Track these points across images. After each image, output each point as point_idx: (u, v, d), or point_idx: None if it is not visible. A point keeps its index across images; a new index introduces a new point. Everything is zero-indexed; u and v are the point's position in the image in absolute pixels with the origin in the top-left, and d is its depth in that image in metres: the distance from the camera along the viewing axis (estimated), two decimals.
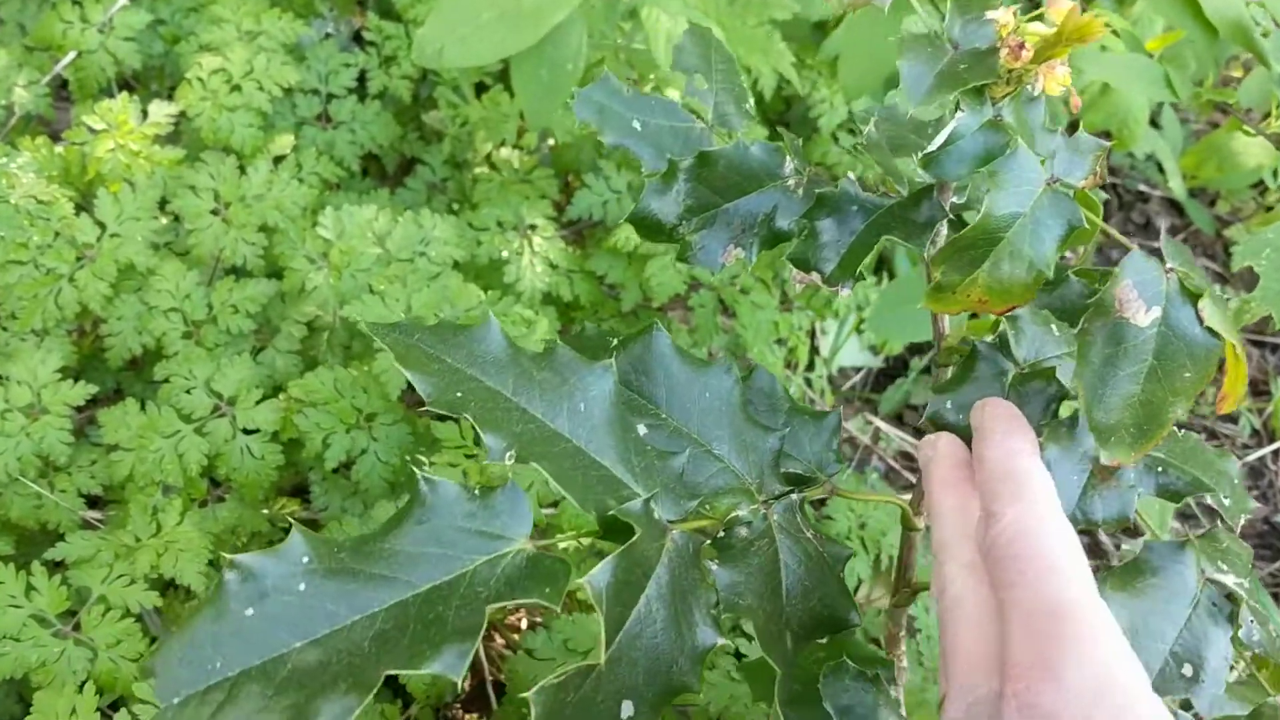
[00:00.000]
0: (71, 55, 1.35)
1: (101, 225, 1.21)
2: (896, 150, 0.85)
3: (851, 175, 0.80)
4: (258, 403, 1.15)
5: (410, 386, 1.16)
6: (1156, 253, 0.68)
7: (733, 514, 0.73)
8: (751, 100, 0.90)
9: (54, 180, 1.25)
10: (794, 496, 0.76)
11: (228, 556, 0.59)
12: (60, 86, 1.46)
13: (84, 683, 0.99)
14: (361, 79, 1.45)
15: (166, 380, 1.15)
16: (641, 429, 0.73)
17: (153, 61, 1.43)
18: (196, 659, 0.57)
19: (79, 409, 1.16)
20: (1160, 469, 0.75)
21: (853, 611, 0.74)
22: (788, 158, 0.82)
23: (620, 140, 0.84)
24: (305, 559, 0.61)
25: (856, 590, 1.28)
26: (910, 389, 1.66)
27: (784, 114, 1.65)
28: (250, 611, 0.58)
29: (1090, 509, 0.70)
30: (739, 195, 0.82)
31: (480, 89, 1.46)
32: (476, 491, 0.64)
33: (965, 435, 0.73)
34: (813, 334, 1.51)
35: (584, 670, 0.60)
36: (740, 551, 0.72)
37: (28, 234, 1.18)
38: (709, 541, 0.71)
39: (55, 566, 1.07)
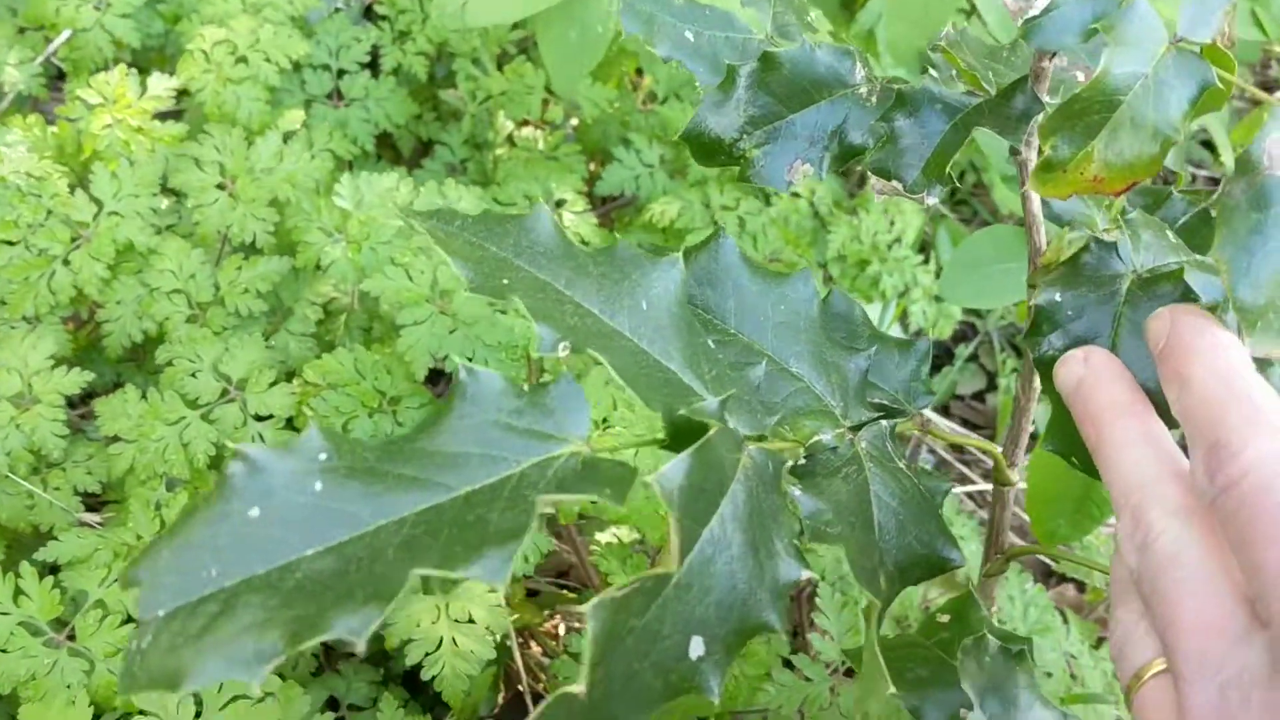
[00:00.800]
0: (66, 34, 1.27)
1: (98, 203, 1.12)
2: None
3: (933, 72, 0.72)
4: (271, 385, 1.05)
5: (438, 372, 1.08)
6: None
7: (815, 438, 0.63)
8: (816, 12, 0.82)
9: (48, 160, 1.17)
10: (883, 423, 0.66)
11: (233, 446, 0.50)
12: (58, 77, 1.38)
13: (79, 697, 0.88)
14: (374, 56, 1.37)
15: (169, 364, 1.06)
16: (710, 344, 0.64)
17: (152, 41, 1.35)
18: (189, 566, 0.48)
19: (75, 404, 1.07)
20: None
21: (954, 550, 0.64)
22: (858, 64, 0.74)
23: (672, 53, 0.76)
24: (323, 455, 0.51)
25: None
26: (957, 377, 1.56)
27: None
28: (255, 512, 0.49)
29: None
30: (806, 104, 0.73)
31: (502, 62, 1.38)
32: (525, 387, 0.55)
33: (1080, 339, 0.64)
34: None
35: (650, 584, 0.50)
36: (825, 478, 0.62)
37: (17, 211, 1.10)
38: (789, 466, 0.61)
39: (47, 569, 0.96)
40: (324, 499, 0.50)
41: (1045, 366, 0.65)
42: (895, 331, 1.48)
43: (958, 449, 1.51)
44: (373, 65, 1.37)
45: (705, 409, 0.55)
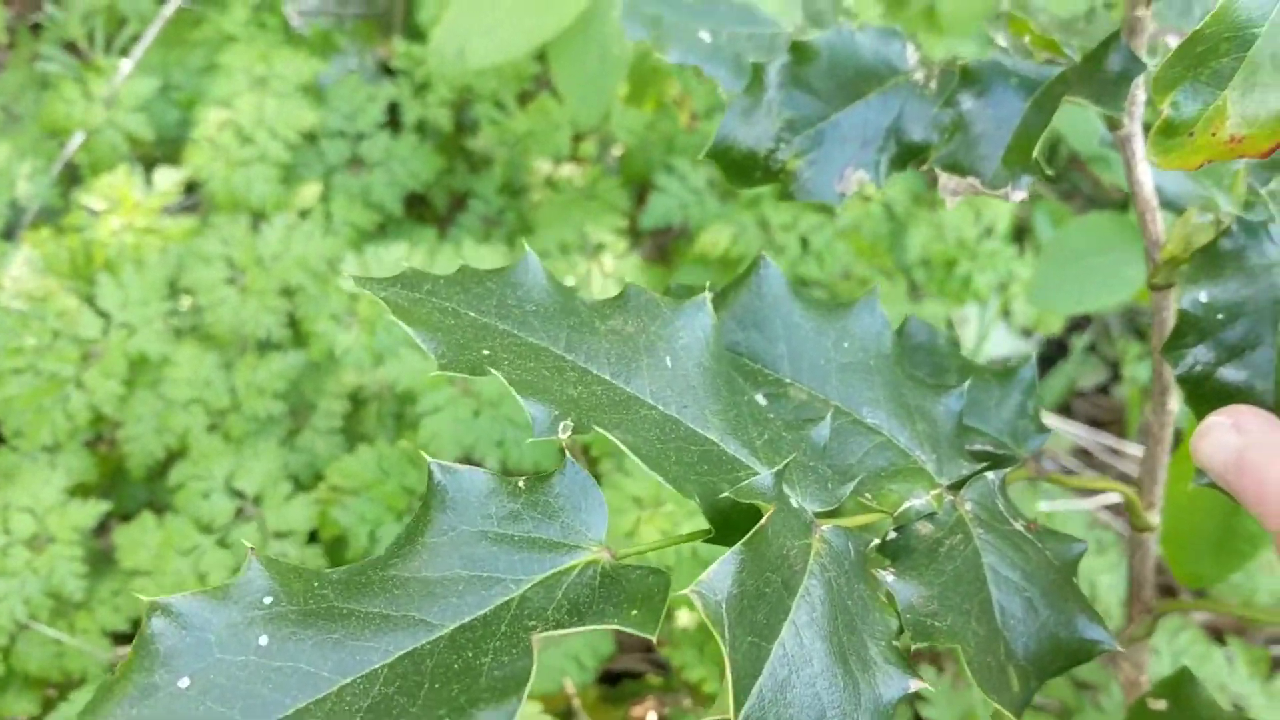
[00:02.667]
0: (79, 136, 1.20)
1: (105, 316, 1.04)
2: None
3: (1002, 42, 0.59)
4: (288, 498, 0.95)
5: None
6: None
7: (906, 504, 0.50)
8: None
9: (61, 274, 1.08)
10: (990, 477, 0.53)
11: (151, 601, 0.39)
12: (79, 182, 1.31)
13: None
14: (394, 112, 1.27)
15: (182, 486, 0.96)
16: (759, 400, 0.52)
17: (168, 132, 1.26)
18: None
19: (105, 528, 0.98)
20: None
21: (1098, 628, 0.50)
22: (908, 45, 0.62)
23: (685, 57, 0.65)
24: (269, 599, 0.40)
25: None
26: (1074, 373, 1.40)
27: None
28: (185, 683, 0.38)
29: None
30: (852, 100, 0.62)
31: (525, 101, 1.27)
32: (521, 483, 0.43)
33: (1235, 349, 0.50)
34: (950, 325, 1.27)
35: None
36: (924, 555, 0.49)
37: (20, 337, 1.01)
38: (875, 544, 0.48)
39: None
40: (271, 656, 0.39)
41: (1193, 384, 0.52)
42: (1000, 331, 1.32)
43: (1084, 453, 1.35)
44: (395, 124, 1.27)
45: (756, 486, 0.43)
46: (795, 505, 0.45)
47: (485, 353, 0.45)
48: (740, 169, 0.61)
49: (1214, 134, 0.47)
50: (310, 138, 1.20)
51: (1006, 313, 1.29)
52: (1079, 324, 1.47)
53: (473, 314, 0.48)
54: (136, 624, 0.97)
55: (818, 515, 0.46)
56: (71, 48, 1.35)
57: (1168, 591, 1.19)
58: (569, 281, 1.08)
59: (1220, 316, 0.51)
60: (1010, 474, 0.55)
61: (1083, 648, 0.50)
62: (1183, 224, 0.59)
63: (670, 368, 0.48)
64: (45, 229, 1.12)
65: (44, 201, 1.19)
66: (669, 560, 0.85)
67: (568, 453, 0.43)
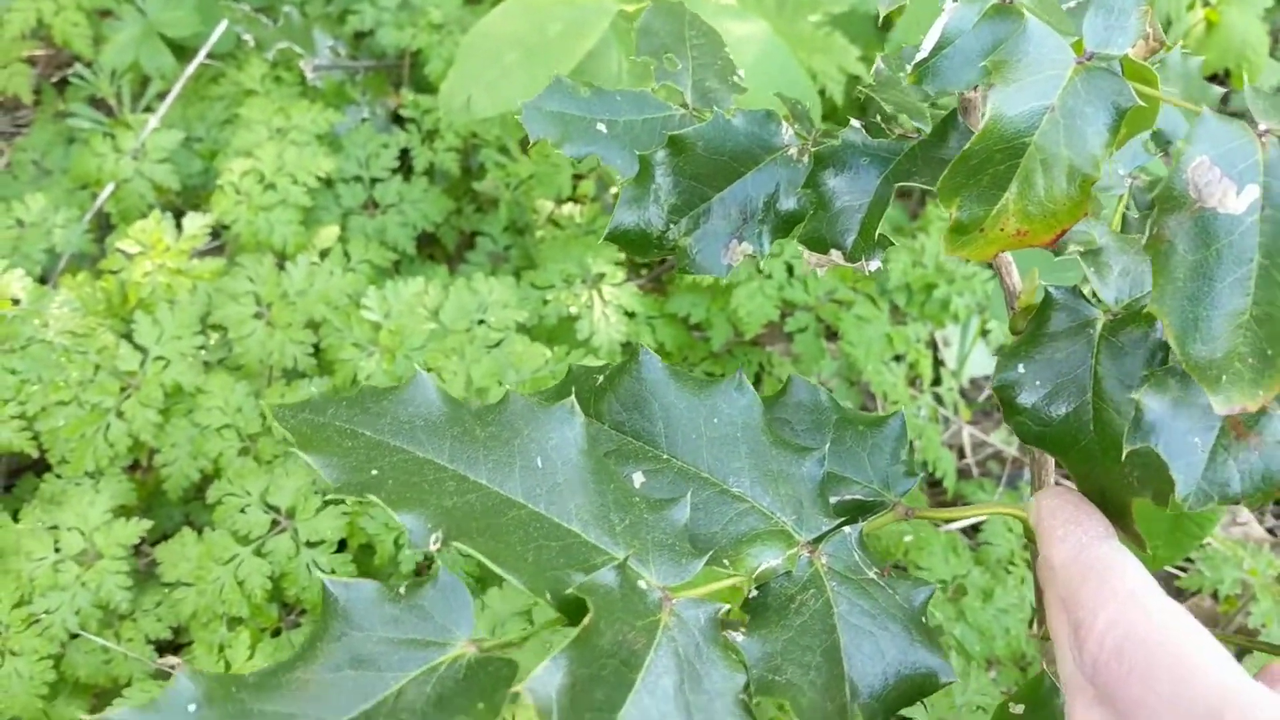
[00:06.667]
0: (110, 188, 1.31)
1: (143, 350, 1.14)
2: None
3: (856, 123, 0.65)
4: (318, 511, 1.05)
5: None
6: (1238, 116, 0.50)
7: (761, 566, 0.57)
8: (742, 72, 0.75)
9: (98, 314, 1.19)
10: (847, 530, 0.60)
11: (87, 719, 0.48)
12: (111, 229, 1.42)
13: None
14: (405, 158, 1.37)
15: (220, 502, 1.07)
16: (638, 478, 0.59)
17: (192, 180, 1.38)
18: None
19: (145, 549, 1.09)
20: None
21: (941, 662, 0.57)
22: (783, 124, 0.67)
23: (584, 149, 0.70)
24: (192, 706, 0.48)
25: (1030, 624, 1.09)
26: None
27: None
28: None
29: (1223, 478, 0.51)
30: (731, 180, 0.68)
31: (528, 145, 1.35)
32: (401, 590, 0.51)
33: (1048, 417, 0.57)
34: (934, 345, 1.33)
35: None
36: (777, 612, 0.57)
37: (66, 372, 1.12)
38: (727, 610, 0.56)
39: None
40: None
41: (1039, 439, 0.58)
42: (980, 351, 1.38)
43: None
44: (405, 167, 1.36)
45: (597, 580, 0.50)
46: (643, 587, 0.52)
47: (374, 473, 0.53)
48: (637, 247, 0.67)
49: (1002, 229, 0.53)
50: (328, 183, 1.30)
51: (985, 333, 1.34)
52: None
53: (369, 433, 0.56)
54: (178, 632, 1.08)
55: (670, 589, 0.54)
56: (98, 104, 1.46)
57: None
58: (572, 310, 1.16)
59: (1038, 383, 0.57)
60: (874, 522, 0.62)
61: (927, 681, 0.57)
62: (1030, 278, 0.64)
63: (541, 468, 0.55)
64: (81, 274, 1.23)
65: (76, 248, 1.30)
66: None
67: (439, 560, 0.51)
